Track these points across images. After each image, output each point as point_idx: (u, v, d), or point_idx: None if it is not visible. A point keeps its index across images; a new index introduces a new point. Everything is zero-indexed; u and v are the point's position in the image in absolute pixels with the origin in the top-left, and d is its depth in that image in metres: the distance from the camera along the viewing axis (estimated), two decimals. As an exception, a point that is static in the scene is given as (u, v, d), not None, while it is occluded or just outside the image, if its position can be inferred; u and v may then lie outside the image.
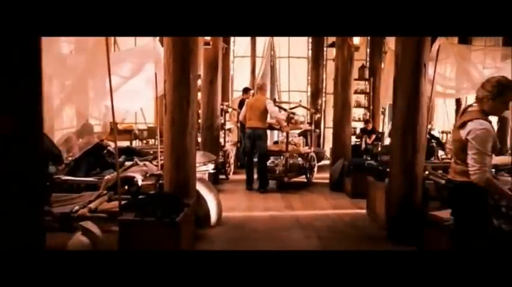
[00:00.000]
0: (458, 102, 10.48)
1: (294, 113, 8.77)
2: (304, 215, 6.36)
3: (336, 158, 8.28)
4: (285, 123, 8.11)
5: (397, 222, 5.05)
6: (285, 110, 8.56)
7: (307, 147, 9.13)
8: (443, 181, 5.53)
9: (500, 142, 8.70)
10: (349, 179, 7.53)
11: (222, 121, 8.91)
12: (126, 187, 5.32)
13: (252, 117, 7.83)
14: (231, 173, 9.31)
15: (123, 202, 4.26)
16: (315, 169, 9.17)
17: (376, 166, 7.10)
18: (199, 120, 8.59)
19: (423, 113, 4.96)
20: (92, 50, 4.90)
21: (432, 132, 9.26)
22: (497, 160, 7.44)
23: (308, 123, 9.33)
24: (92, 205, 4.29)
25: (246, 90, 10.18)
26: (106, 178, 5.08)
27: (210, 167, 6.47)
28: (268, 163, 8.23)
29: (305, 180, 8.68)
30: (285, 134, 8.33)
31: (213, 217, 5.55)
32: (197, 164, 6.26)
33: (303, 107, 10.11)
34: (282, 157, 8.46)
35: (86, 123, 5.92)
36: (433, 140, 8.55)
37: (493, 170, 6.85)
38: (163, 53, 4.90)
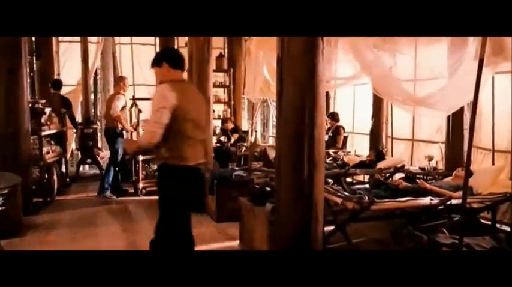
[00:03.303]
0: (327, 95, 9.42)
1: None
2: (153, 259, 4.41)
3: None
4: (126, 123, 7.21)
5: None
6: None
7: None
8: (339, 200, 4.12)
9: (376, 141, 7.91)
10: (213, 196, 5.77)
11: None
12: None
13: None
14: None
15: None
16: None
17: (247, 179, 5.50)
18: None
19: (322, 108, 3.38)
20: None
21: None
22: (382, 163, 6.38)
23: None
24: None
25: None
26: None
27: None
28: None
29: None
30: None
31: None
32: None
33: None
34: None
35: None
36: None
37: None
38: None
